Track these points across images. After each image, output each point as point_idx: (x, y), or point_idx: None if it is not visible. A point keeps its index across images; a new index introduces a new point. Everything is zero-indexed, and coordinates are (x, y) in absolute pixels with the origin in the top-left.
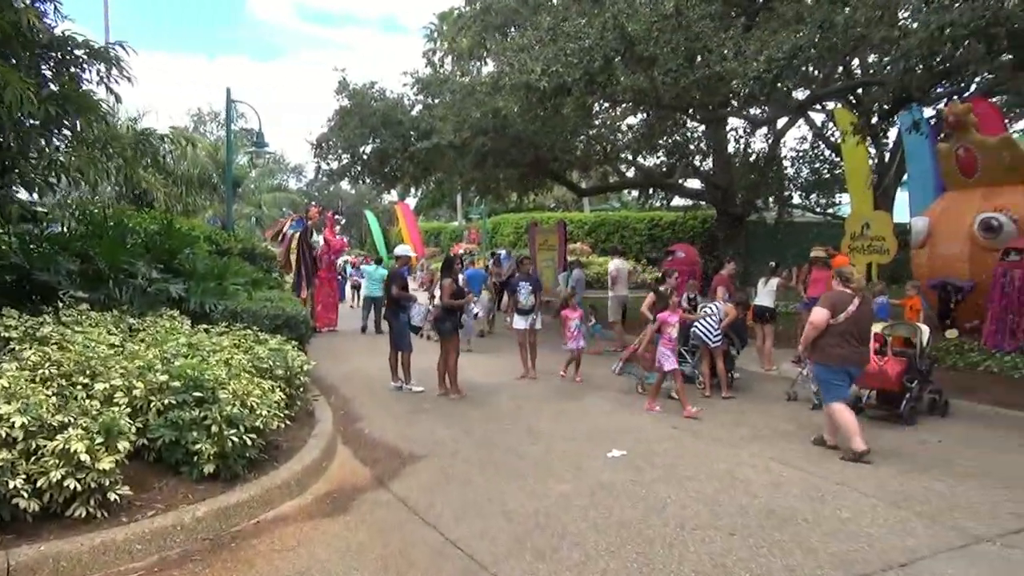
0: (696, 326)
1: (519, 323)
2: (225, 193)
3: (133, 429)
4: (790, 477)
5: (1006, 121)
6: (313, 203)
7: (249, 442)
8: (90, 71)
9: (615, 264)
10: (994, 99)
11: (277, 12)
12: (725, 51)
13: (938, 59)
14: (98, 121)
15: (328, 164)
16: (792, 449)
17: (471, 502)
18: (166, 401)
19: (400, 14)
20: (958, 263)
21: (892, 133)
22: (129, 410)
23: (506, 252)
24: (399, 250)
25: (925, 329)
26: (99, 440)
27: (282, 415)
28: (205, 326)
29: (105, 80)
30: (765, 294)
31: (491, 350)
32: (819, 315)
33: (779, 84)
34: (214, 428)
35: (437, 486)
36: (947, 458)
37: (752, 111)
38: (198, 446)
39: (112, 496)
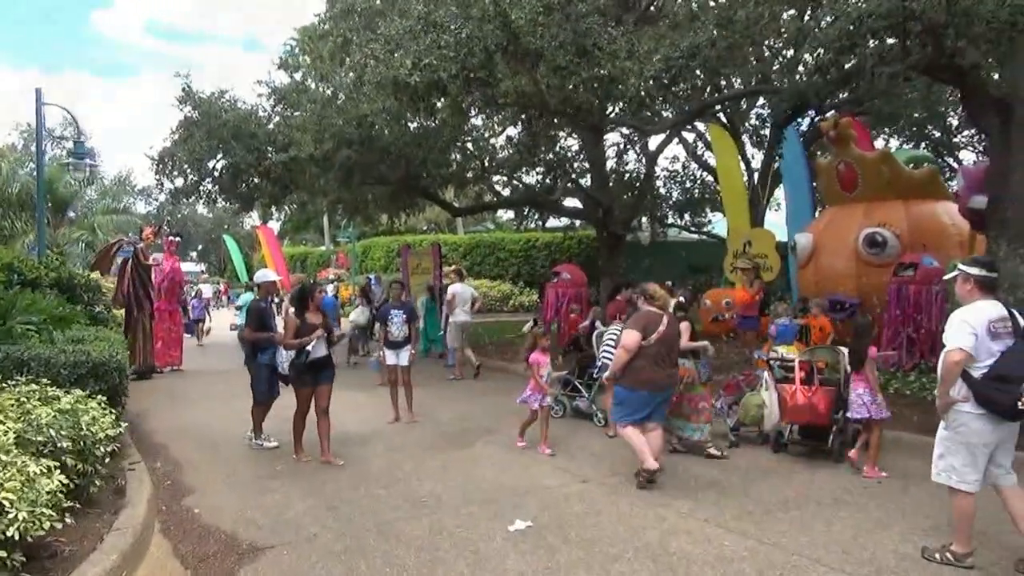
0: (603, 354)
1: (390, 358)
2: (49, 214)
3: None
4: (736, 548)
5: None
6: (152, 222)
7: None
8: None
9: (454, 288)
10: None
11: (125, 29)
12: (616, 48)
13: (850, 55)
14: None
15: (172, 181)
16: (726, 505)
17: None
18: None
19: (261, 34)
20: (844, 279)
21: (758, 154)
22: None
23: (375, 278)
24: (260, 276)
25: (847, 352)
26: None
27: (59, 512)
28: None
29: None
30: None
31: (364, 387)
32: (631, 338)
33: (677, 85)
34: None
35: None
36: (899, 505)
37: (640, 121)
38: None
39: None
